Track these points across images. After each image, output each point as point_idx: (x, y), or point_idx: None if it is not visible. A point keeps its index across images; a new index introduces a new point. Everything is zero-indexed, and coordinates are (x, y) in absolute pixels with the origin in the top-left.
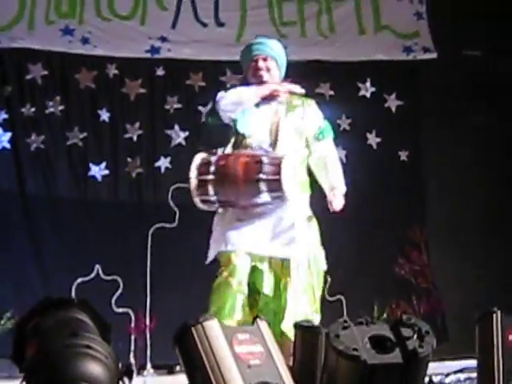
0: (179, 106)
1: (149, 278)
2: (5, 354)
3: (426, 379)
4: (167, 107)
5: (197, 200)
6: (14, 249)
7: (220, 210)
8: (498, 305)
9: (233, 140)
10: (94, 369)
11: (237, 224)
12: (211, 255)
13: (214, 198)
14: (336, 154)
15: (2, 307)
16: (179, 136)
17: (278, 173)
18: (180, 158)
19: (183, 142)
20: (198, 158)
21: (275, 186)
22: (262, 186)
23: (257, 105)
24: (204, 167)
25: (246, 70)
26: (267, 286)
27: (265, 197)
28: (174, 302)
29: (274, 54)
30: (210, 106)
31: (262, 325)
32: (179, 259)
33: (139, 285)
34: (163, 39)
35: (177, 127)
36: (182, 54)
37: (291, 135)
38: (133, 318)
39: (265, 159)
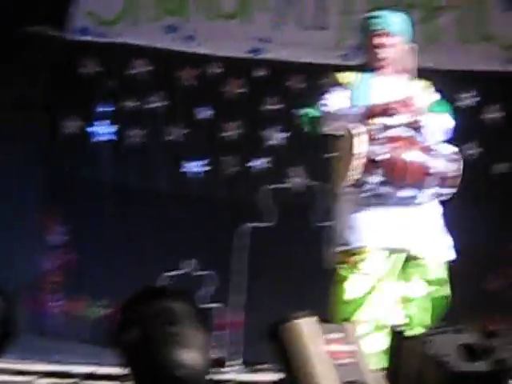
0: (278, 107)
1: (243, 275)
2: (96, 341)
3: None
4: (266, 108)
5: (352, 177)
6: (111, 240)
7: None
8: None
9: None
10: (191, 356)
11: (371, 215)
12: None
13: (374, 180)
14: None
15: (95, 296)
16: (277, 137)
17: (453, 174)
18: (277, 158)
19: (281, 143)
20: (364, 131)
21: (447, 183)
22: (430, 180)
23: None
24: (377, 145)
25: (364, 46)
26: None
27: (430, 191)
28: (268, 300)
29: (395, 29)
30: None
31: (352, 327)
32: (275, 258)
33: (233, 281)
34: (265, 40)
35: (274, 127)
36: (283, 56)
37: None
38: (225, 313)
39: (437, 152)
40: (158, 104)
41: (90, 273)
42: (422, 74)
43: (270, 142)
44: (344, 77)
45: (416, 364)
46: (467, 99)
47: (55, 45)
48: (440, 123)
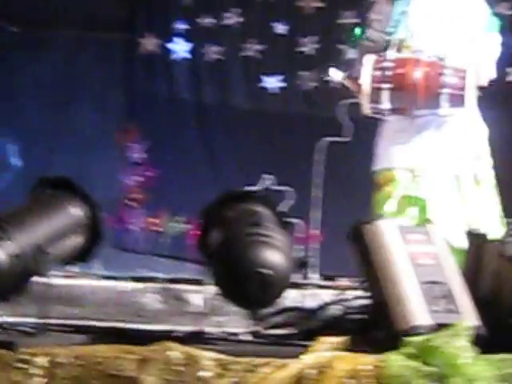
0: (355, 20)
1: (320, 190)
2: (179, 254)
3: None
4: (343, 21)
5: (367, 107)
6: (189, 156)
7: (388, 118)
8: None
9: (396, 42)
10: (274, 257)
11: (402, 138)
12: (376, 167)
13: (386, 107)
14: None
15: (176, 213)
16: (353, 51)
17: (462, 87)
18: (354, 72)
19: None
20: (370, 61)
21: (457, 100)
22: (443, 99)
23: None
24: (379, 73)
25: None
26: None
27: (444, 111)
28: (343, 215)
29: None
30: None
31: (433, 228)
32: (350, 173)
33: (309, 197)
34: None
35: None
36: None
37: (460, 31)
38: (301, 228)
39: (447, 71)
40: (235, 19)
41: (169, 189)
42: None
43: (347, 56)
44: None
45: (494, 265)
46: None
47: None
48: (487, 52)
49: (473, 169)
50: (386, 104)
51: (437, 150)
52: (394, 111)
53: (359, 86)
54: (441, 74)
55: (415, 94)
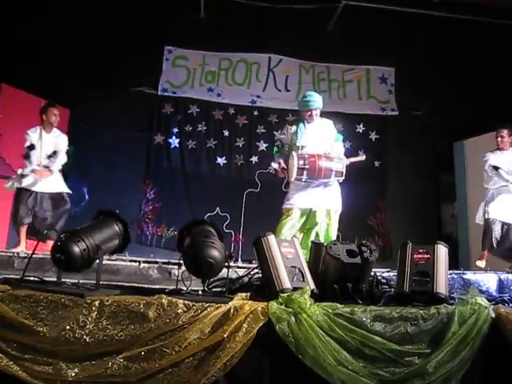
0: (264, 130)
1: (243, 216)
2: (171, 247)
3: (373, 273)
4: (258, 131)
5: (293, 177)
6: (177, 198)
7: (296, 182)
8: (416, 240)
9: (299, 146)
10: (215, 253)
11: (302, 191)
12: (286, 206)
13: (304, 178)
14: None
15: (170, 225)
16: (263, 146)
17: (343, 167)
18: (262, 157)
19: (264, 149)
20: (296, 155)
21: (339, 175)
22: (332, 175)
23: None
24: (301, 161)
25: (303, 111)
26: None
27: (331, 181)
28: (256, 229)
29: (320, 106)
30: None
31: (296, 240)
32: (260, 207)
33: (238, 219)
34: (258, 96)
35: (262, 141)
36: (267, 105)
37: (326, 143)
38: (233, 235)
39: (335, 159)
40: (203, 128)
41: (167, 213)
42: (338, 115)
43: (259, 149)
44: (291, 127)
45: (324, 259)
46: (360, 128)
47: (152, 96)
48: (337, 151)
49: (332, 208)
50: (304, 177)
51: (322, 197)
52: (306, 180)
53: (285, 168)
54: (331, 162)
55: (320, 172)
